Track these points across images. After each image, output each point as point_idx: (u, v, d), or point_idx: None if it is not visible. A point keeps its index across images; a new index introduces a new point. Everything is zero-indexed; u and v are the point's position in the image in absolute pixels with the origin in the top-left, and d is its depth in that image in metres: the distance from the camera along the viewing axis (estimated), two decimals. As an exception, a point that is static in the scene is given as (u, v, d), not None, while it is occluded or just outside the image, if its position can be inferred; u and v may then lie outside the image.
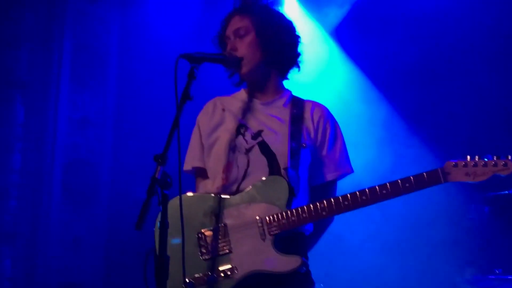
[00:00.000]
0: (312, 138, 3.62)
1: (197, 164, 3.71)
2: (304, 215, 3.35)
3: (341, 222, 3.81)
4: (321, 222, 3.59)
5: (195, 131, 3.78)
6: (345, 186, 3.74)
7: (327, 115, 3.72)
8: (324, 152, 3.64)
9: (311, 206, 3.36)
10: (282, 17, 3.81)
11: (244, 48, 3.62)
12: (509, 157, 3.24)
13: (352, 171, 3.73)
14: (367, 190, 3.32)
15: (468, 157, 3.28)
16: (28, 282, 7.39)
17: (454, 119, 7.28)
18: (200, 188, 3.70)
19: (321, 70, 7.60)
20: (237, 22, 3.70)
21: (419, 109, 7.56)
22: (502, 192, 5.91)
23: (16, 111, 7.49)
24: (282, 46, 3.71)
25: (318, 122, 3.66)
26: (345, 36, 7.89)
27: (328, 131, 3.68)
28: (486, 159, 3.28)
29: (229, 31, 3.70)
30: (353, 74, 7.85)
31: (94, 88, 7.95)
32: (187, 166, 3.75)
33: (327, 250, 5.83)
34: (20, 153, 7.44)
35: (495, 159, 3.26)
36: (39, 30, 7.65)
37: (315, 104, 3.75)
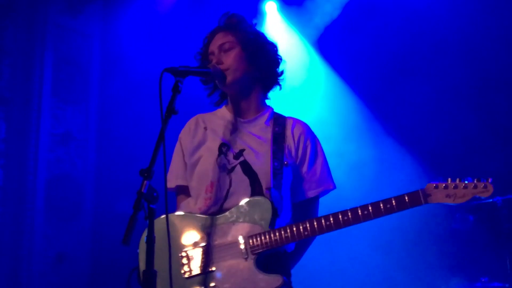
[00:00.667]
0: (293, 156, 3.61)
1: (180, 182, 3.67)
2: (286, 235, 3.34)
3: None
4: (303, 241, 3.53)
5: (177, 149, 3.75)
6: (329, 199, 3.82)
7: (307, 133, 3.70)
8: (305, 169, 3.63)
9: (294, 226, 3.36)
10: (265, 36, 3.79)
11: (229, 60, 3.58)
12: (489, 180, 3.25)
13: (334, 187, 3.70)
14: (348, 212, 3.31)
15: (449, 179, 3.29)
16: None
17: (435, 125, 7.28)
18: (182, 206, 3.66)
19: (303, 79, 7.58)
20: (222, 38, 3.65)
21: (399, 115, 7.55)
22: (486, 201, 5.91)
23: None
24: (267, 62, 3.70)
25: (299, 139, 3.65)
26: (327, 46, 7.89)
27: (309, 148, 3.66)
28: (466, 181, 3.28)
29: (213, 47, 3.66)
30: (334, 82, 7.81)
31: (76, 102, 7.95)
32: (171, 184, 3.69)
33: (313, 263, 5.85)
34: (3, 169, 7.46)
35: (475, 181, 3.26)
36: (20, 45, 7.66)
37: (295, 121, 3.73)
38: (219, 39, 3.65)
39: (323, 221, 3.33)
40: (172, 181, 3.70)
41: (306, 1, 7.82)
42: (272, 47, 3.76)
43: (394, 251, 7.03)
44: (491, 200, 5.86)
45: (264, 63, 3.68)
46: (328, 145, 3.96)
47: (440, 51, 7.39)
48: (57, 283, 7.58)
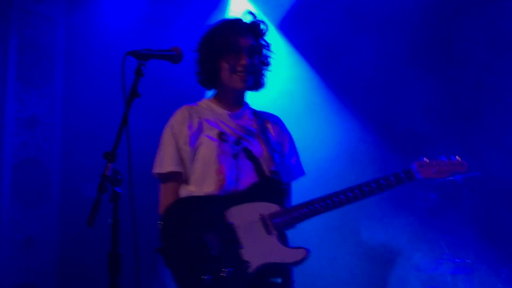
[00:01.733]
0: (276, 146, 3.86)
1: (176, 169, 3.72)
2: (303, 212, 3.54)
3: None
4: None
5: (168, 137, 3.78)
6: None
7: (284, 128, 3.98)
8: (283, 160, 3.87)
9: (309, 204, 3.56)
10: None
11: (256, 65, 3.81)
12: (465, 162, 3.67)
13: (304, 173, 3.97)
14: (355, 189, 3.57)
15: (435, 158, 3.67)
16: None
17: (405, 115, 7.29)
18: (182, 190, 3.73)
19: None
20: (251, 40, 3.81)
21: (352, 89, 7.65)
22: (448, 179, 6.01)
23: None
24: (266, 69, 3.95)
25: (278, 133, 3.90)
26: (291, 28, 7.96)
27: (286, 141, 3.93)
28: (449, 159, 3.68)
29: (243, 44, 3.77)
30: (297, 64, 7.91)
31: (41, 87, 7.93)
32: (163, 169, 3.74)
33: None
34: None
35: (457, 158, 3.66)
36: None
37: (273, 116, 4.00)
38: (249, 41, 3.81)
39: (334, 198, 3.56)
40: (165, 166, 3.73)
41: None
42: (270, 56, 3.97)
43: (358, 229, 7.11)
44: (451, 178, 5.95)
45: (263, 71, 3.93)
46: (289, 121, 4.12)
47: (416, 43, 7.42)
48: (25, 267, 7.56)
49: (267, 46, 3.92)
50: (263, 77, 3.92)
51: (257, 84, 3.89)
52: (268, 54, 3.92)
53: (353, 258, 7.13)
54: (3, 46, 7.64)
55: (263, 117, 3.93)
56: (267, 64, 3.92)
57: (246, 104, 3.97)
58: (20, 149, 7.72)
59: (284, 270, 3.62)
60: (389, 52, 7.44)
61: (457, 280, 6.26)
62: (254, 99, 4.07)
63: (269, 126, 3.91)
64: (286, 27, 7.97)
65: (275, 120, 3.97)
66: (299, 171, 3.95)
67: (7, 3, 7.70)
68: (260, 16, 7.50)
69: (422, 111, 7.21)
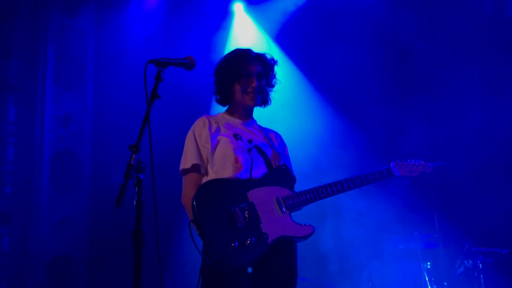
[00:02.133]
0: (280, 150, 4.00)
1: (197, 161, 3.79)
2: (310, 196, 3.77)
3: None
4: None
5: (190, 138, 3.86)
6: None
7: (282, 141, 4.11)
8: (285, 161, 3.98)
9: (314, 190, 3.80)
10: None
11: (263, 87, 3.95)
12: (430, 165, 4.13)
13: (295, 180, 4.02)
14: (349, 180, 3.86)
15: (407, 160, 4.06)
16: (22, 256, 7.37)
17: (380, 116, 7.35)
18: (197, 179, 3.82)
19: None
20: (259, 67, 3.94)
21: (350, 104, 7.58)
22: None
23: (9, 111, 7.47)
24: (271, 90, 4.09)
25: (279, 142, 4.07)
26: (286, 40, 7.89)
27: (286, 149, 4.10)
28: (418, 161, 4.10)
29: (253, 70, 3.91)
30: (289, 68, 7.86)
31: (75, 90, 7.91)
32: (186, 165, 3.82)
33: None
34: (13, 147, 7.42)
35: (423, 162, 4.10)
36: (26, 41, 7.62)
37: (275, 133, 4.13)
38: (257, 67, 3.94)
39: (333, 187, 3.82)
40: (189, 162, 3.81)
41: (266, 2, 7.78)
42: (276, 80, 4.11)
43: (340, 212, 7.08)
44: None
45: (269, 91, 4.06)
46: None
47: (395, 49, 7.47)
48: (61, 242, 7.58)
49: (272, 71, 4.05)
50: (269, 95, 4.03)
51: (264, 101, 4.02)
52: (273, 78, 4.05)
53: (334, 235, 7.11)
54: (43, 56, 7.65)
55: (267, 131, 4.06)
56: (273, 85, 4.05)
57: (254, 119, 4.07)
58: (57, 142, 7.75)
59: (293, 242, 3.77)
60: (359, 56, 7.46)
61: (425, 253, 6.25)
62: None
63: (272, 137, 4.03)
64: (280, 38, 7.89)
65: (277, 134, 4.11)
66: (292, 172, 4.03)
67: (46, 19, 7.73)
68: (258, 28, 7.64)
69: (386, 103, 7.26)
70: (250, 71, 3.89)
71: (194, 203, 3.61)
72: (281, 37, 7.87)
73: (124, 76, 7.44)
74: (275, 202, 3.71)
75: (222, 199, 3.61)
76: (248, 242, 3.55)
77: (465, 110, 7.07)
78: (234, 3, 7.75)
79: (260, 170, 3.79)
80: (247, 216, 3.62)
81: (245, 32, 7.62)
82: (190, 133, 3.89)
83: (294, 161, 4.08)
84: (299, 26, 7.78)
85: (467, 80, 7.05)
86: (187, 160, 3.82)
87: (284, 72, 7.61)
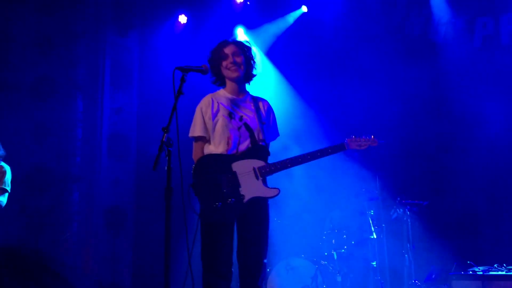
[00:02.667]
0: (265, 120, 3.77)
1: (202, 133, 3.69)
2: (279, 166, 3.60)
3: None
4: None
5: (198, 113, 3.74)
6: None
7: (269, 105, 3.87)
8: (268, 126, 3.79)
9: (282, 161, 3.61)
10: (253, 52, 3.88)
11: (239, 62, 3.70)
12: (376, 140, 3.73)
13: (278, 135, 3.90)
14: (312, 153, 3.64)
15: (353, 136, 3.74)
16: (88, 206, 7.47)
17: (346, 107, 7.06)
18: (205, 149, 3.71)
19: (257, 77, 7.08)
20: (232, 47, 3.75)
21: (322, 102, 7.24)
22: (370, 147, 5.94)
23: (78, 103, 7.52)
24: (252, 66, 3.83)
25: (267, 110, 3.81)
26: (274, 54, 7.64)
27: (272, 115, 3.85)
28: (366, 137, 3.73)
29: (228, 51, 3.73)
30: (277, 77, 7.60)
31: (124, 89, 7.92)
32: (195, 133, 3.71)
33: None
34: (81, 129, 7.51)
35: (372, 137, 3.73)
36: (91, 54, 7.64)
37: (262, 99, 3.88)
38: (232, 48, 3.74)
39: (298, 159, 3.62)
40: (196, 131, 3.70)
41: (260, 27, 7.61)
42: (254, 59, 3.84)
43: (312, 180, 6.60)
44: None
45: (251, 67, 3.80)
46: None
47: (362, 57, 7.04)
48: (114, 196, 7.69)
49: (247, 51, 3.81)
50: (250, 70, 3.81)
51: (247, 74, 3.80)
52: (249, 55, 3.80)
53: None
54: (102, 65, 7.66)
55: (257, 100, 3.83)
56: (250, 59, 3.79)
57: (247, 92, 3.87)
58: (112, 126, 7.80)
59: (262, 202, 3.64)
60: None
61: (369, 204, 6.05)
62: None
63: (261, 105, 3.80)
64: (271, 53, 7.65)
65: (265, 102, 3.85)
66: (275, 133, 3.86)
67: (104, 39, 7.75)
68: (254, 46, 7.51)
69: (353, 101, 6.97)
70: (227, 52, 3.72)
71: (192, 172, 3.59)
72: (271, 53, 7.65)
73: (159, 79, 7.34)
74: (252, 171, 3.58)
75: (213, 170, 3.53)
76: (229, 201, 3.49)
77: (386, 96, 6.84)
78: (237, 27, 7.60)
79: (245, 145, 3.64)
80: (229, 182, 3.53)
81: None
82: (198, 108, 3.78)
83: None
84: (285, 44, 7.57)
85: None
86: (195, 130, 3.71)
87: (271, 78, 7.54)
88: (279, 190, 3.60)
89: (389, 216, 5.93)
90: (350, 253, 6.03)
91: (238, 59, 3.73)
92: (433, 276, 6.05)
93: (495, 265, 4.83)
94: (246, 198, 3.53)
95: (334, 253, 5.91)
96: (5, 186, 4.92)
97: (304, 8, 7.53)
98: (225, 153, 3.63)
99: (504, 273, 4.63)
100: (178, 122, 3.18)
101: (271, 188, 3.62)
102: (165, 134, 3.00)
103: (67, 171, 7.40)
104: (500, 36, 6.43)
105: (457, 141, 6.49)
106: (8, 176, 4.98)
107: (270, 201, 3.71)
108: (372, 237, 5.96)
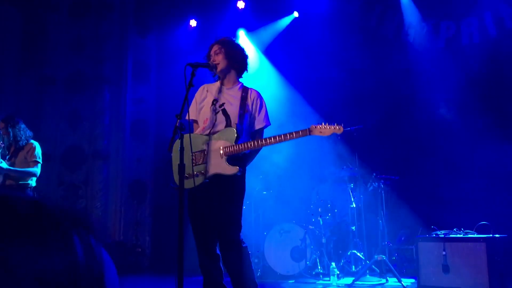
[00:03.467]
0: (250, 108, 3.49)
1: (194, 117, 3.55)
2: (241, 147, 3.29)
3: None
4: (251, 151, 3.44)
5: (193, 101, 3.59)
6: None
7: (257, 95, 3.56)
8: (256, 114, 3.51)
9: (245, 143, 3.31)
10: (237, 44, 3.64)
11: (218, 59, 3.48)
12: (342, 124, 3.29)
13: (269, 123, 3.57)
14: (276, 136, 3.28)
15: (323, 123, 3.29)
16: (115, 180, 7.47)
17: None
18: (195, 129, 3.55)
19: (254, 72, 7.01)
20: (215, 47, 3.54)
21: (311, 91, 7.05)
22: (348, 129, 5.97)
23: (105, 94, 7.56)
24: (238, 59, 3.56)
25: (253, 99, 3.52)
26: (271, 52, 7.55)
27: (258, 103, 3.52)
28: (329, 124, 3.29)
29: (211, 51, 3.54)
30: (271, 71, 7.49)
31: (144, 81, 7.91)
32: (190, 116, 3.51)
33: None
34: (108, 116, 7.50)
35: (335, 124, 3.30)
36: (116, 52, 7.65)
37: (252, 89, 3.59)
38: (214, 47, 3.55)
39: (260, 141, 3.31)
40: (191, 115, 3.51)
41: (259, 29, 7.57)
42: (241, 51, 3.60)
43: (304, 160, 6.60)
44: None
45: (236, 59, 3.54)
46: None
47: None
48: (137, 171, 7.71)
49: (227, 46, 3.54)
50: (233, 62, 3.53)
51: (232, 66, 3.53)
52: (229, 50, 3.52)
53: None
54: (125, 62, 7.71)
55: (247, 91, 3.53)
56: (230, 54, 3.51)
57: (239, 83, 3.60)
58: (134, 114, 7.79)
59: (226, 179, 3.31)
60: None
61: (350, 179, 6.00)
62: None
63: (249, 94, 3.51)
64: (269, 53, 7.55)
65: (254, 92, 3.55)
66: (266, 122, 3.52)
67: (127, 39, 7.79)
68: (251, 45, 7.45)
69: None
70: (211, 52, 3.53)
71: (172, 147, 3.27)
72: (268, 51, 7.55)
73: (173, 73, 7.14)
74: (219, 150, 3.33)
75: (189, 146, 3.26)
76: (195, 174, 3.29)
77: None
78: (239, 30, 7.58)
79: (218, 127, 3.41)
80: (198, 157, 3.35)
81: (246, 47, 7.54)
82: (195, 95, 3.63)
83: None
84: (280, 43, 7.50)
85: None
86: (190, 114, 3.52)
87: (268, 75, 7.48)
88: (238, 169, 3.29)
89: (366, 189, 5.92)
90: (333, 220, 6.08)
91: (217, 57, 3.50)
92: (402, 238, 6.13)
93: (454, 229, 4.87)
94: (209, 173, 3.31)
95: (320, 219, 5.95)
96: (36, 159, 5.01)
97: (295, 14, 7.53)
98: (200, 133, 3.46)
99: (461, 235, 4.67)
100: (188, 110, 3.16)
101: (231, 166, 3.30)
102: (178, 120, 2.95)
103: (96, 151, 7.39)
104: (461, 38, 6.43)
105: (423, 125, 6.47)
106: (38, 151, 5.07)
107: (265, 177, 3.53)
108: (352, 206, 5.99)
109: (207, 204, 3.35)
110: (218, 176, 3.31)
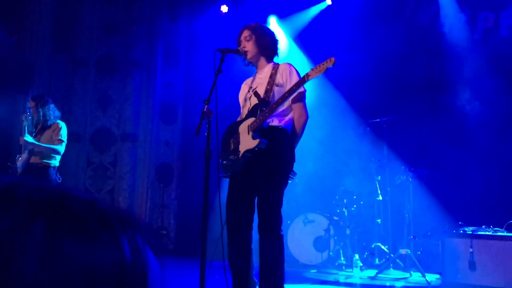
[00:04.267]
0: (281, 80, 3.27)
1: (242, 104, 3.46)
2: (260, 117, 3.14)
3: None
4: (296, 131, 3.25)
5: (240, 92, 3.52)
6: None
7: (287, 65, 3.37)
8: (287, 83, 3.25)
9: (263, 112, 3.16)
10: (268, 30, 3.53)
11: (248, 46, 3.38)
12: (332, 57, 3.00)
13: (304, 89, 3.27)
14: (279, 99, 3.14)
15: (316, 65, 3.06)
16: (143, 162, 7.54)
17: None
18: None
19: (284, 59, 7.04)
20: (245, 32, 3.42)
21: (341, 78, 6.84)
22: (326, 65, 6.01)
23: (135, 78, 7.65)
24: (268, 45, 3.42)
25: (282, 71, 3.31)
26: (305, 40, 7.47)
27: (287, 72, 3.31)
28: (322, 62, 3.02)
29: (241, 37, 3.43)
30: (302, 60, 7.24)
31: (174, 66, 7.95)
32: (240, 103, 3.49)
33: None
34: (138, 99, 7.59)
35: (327, 59, 3.01)
36: (146, 37, 7.75)
37: (283, 63, 3.41)
38: (244, 33, 3.43)
39: (273, 104, 3.15)
40: (240, 103, 3.48)
41: (290, 16, 7.50)
42: (271, 36, 3.47)
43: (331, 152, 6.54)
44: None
45: (266, 45, 3.41)
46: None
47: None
48: (164, 156, 7.78)
49: (256, 30, 3.43)
50: (265, 46, 3.41)
51: (263, 51, 3.41)
52: (258, 34, 3.40)
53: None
54: (155, 46, 7.79)
55: (277, 66, 3.37)
56: (259, 38, 3.40)
57: (272, 62, 3.45)
58: (163, 97, 7.83)
59: (258, 153, 3.16)
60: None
61: (377, 171, 5.95)
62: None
63: (279, 69, 3.33)
64: (300, 40, 7.46)
65: (284, 65, 3.38)
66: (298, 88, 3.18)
67: (157, 24, 7.85)
68: (282, 32, 7.42)
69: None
70: (241, 38, 3.43)
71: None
72: (299, 39, 7.49)
73: (203, 58, 7.05)
74: (247, 128, 3.23)
75: (229, 134, 3.32)
76: (231, 157, 3.25)
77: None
78: (270, 16, 7.52)
79: (251, 110, 3.33)
80: (233, 142, 3.30)
81: (278, 34, 7.53)
82: (239, 96, 3.57)
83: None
84: (312, 31, 7.42)
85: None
86: (241, 102, 3.49)
87: (298, 62, 7.36)
88: (259, 140, 3.14)
89: (394, 182, 5.85)
90: (358, 211, 6.04)
91: (247, 43, 3.39)
92: (429, 233, 6.04)
93: (483, 226, 4.78)
94: (241, 152, 3.23)
95: (345, 210, 5.92)
96: (61, 138, 5.09)
97: (328, 1, 7.41)
98: (239, 120, 3.42)
99: (490, 233, 4.58)
100: (217, 96, 3.08)
101: (254, 140, 3.17)
102: (206, 106, 2.95)
103: (125, 134, 7.52)
104: (499, 29, 6.25)
105: (455, 118, 6.36)
106: (64, 130, 5.15)
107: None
108: (378, 198, 5.94)
109: (244, 190, 3.23)
110: (249, 154, 3.19)
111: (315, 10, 7.50)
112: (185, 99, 7.99)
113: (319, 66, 3.07)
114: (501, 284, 4.23)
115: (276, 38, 3.54)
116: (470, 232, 4.62)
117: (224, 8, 7.83)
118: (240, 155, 3.22)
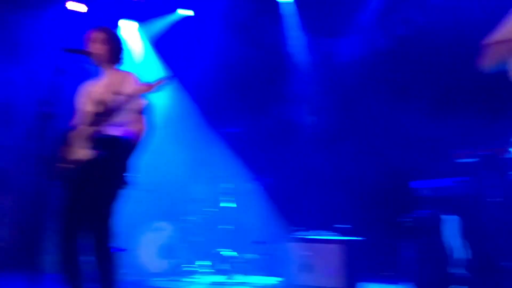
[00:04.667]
0: (123, 89, 3.07)
1: (80, 108, 3.27)
2: (99, 125, 3.02)
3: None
4: (134, 142, 3.16)
5: (80, 95, 3.33)
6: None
7: (130, 74, 3.20)
8: (128, 94, 3.02)
9: (101, 119, 3.05)
10: (118, 36, 3.34)
11: (98, 49, 3.23)
12: (166, 79, 2.96)
13: (147, 100, 3.17)
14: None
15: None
16: None
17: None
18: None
19: (140, 64, 6.76)
20: (96, 34, 3.27)
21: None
22: None
23: None
24: (116, 51, 3.28)
25: (126, 78, 3.14)
26: (162, 46, 7.20)
27: (129, 81, 3.12)
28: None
29: (92, 38, 3.27)
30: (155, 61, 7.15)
31: (14, 62, 7.19)
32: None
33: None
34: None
35: (162, 78, 2.97)
36: None
37: (127, 71, 3.26)
38: (94, 34, 3.27)
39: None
40: (79, 106, 3.30)
41: (147, 21, 7.19)
42: (121, 43, 3.32)
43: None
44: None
45: (115, 51, 3.28)
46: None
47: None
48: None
49: (110, 37, 3.29)
50: (110, 53, 3.27)
51: (111, 58, 3.29)
52: (109, 41, 3.27)
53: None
54: None
55: (121, 75, 3.24)
56: (111, 45, 3.28)
57: (117, 69, 3.32)
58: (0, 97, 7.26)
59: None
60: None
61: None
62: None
63: (122, 77, 3.19)
64: (159, 46, 7.27)
65: (127, 73, 3.24)
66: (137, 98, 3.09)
67: None
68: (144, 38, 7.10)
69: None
70: (88, 38, 3.29)
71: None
72: (159, 45, 7.28)
73: (48, 56, 6.58)
74: (84, 136, 3.11)
75: (66, 140, 3.14)
76: (67, 165, 3.10)
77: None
78: (121, 20, 7.04)
79: (90, 117, 3.16)
80: (69, 149, 3.14)
81: (130, 37, 7.18)
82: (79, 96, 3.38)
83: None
84: (171, 38, 7.28)
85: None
86: (79, 107, 3.32)
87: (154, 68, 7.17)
88: (95, 149, 3.06)
89: (239, 189, 6.07)
90: (204, 219, 6.12)
91: (96, 46, 3.27)
92: (270, 239, 6.33)
93: (317, 231, 5.15)
94: (76, 161, 3.12)
95: (192, 218, 6.02)
96: None
97: (181, 12, 7.36)
98: (76, 125, 3.26)
99: (322, 237, 4.92)
100: (59, 97, 2.93)
101: (91, 148, 3.09)
102: (45, 107, 2.84)
103: None
104: (338, 55, 6.87)
105: (297, 132, 6.73)
106: None
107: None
108: (224, 205, 6.07)
109: (78, 198, 3.09)
110: (84, 162, 3.09)
111: (175, 16, 7.36)
112: (26, 99, 7.29)
113: (155, 83, 2.96)
114: (332, 284, 4.59)
115: (124, 45, 3.40)
116: (306, 237, 4.98)
117: (72, 5, 7.35)
118: (75, 163, 3.10)
